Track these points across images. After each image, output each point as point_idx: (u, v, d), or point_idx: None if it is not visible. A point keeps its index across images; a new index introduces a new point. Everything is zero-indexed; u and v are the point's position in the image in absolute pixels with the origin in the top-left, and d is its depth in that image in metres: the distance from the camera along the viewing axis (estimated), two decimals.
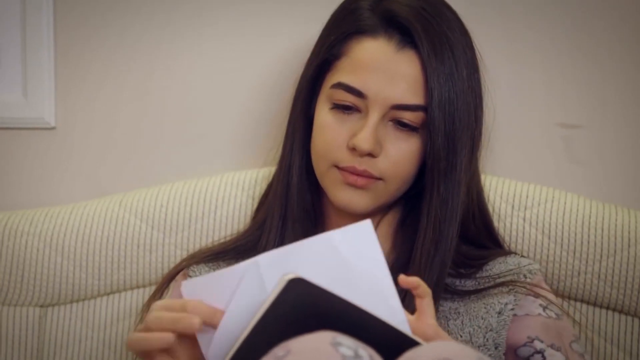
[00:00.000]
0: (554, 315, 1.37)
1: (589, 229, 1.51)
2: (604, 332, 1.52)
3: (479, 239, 1.45)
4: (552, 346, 1.35)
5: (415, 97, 1.34)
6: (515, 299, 1.36)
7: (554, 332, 1.36)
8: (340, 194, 1.36)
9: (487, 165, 1.56)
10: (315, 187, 1.43)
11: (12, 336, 1.58)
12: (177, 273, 1.47)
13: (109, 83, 1.68)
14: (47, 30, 1.67)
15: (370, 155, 1.34)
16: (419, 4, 1.36)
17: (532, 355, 1.34)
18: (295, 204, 1.42)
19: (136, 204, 1.60)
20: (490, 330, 1.34)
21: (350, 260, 1.11)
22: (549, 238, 1.52)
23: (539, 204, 1.53)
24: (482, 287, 1.38)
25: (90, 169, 1.69)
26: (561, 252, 1.51)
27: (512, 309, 1.35)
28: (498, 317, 1.35)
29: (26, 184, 1.69)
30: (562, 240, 1.51)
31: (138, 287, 1.61)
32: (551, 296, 1.40)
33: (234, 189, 1.59)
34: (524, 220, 1.52)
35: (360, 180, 1.35)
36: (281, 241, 1.41)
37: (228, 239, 1.51)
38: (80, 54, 1.68)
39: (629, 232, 1.50)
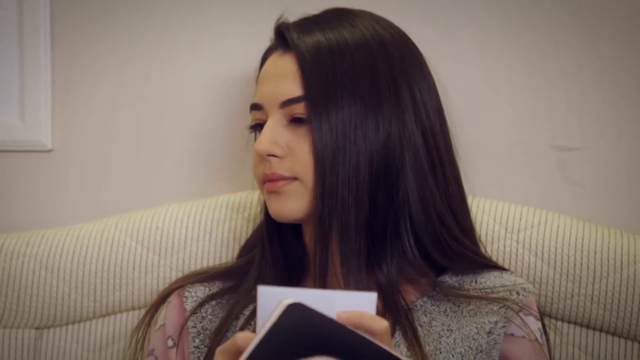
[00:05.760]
0: (538, 339, 1.37)
1: (581, 252, 1.51)
2: (597, 354, 1.52)
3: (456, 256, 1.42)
4: None
5: (298, 89, 1.36)
6: (505, 318, 1.36)
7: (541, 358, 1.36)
8: (270, 206, 1.38)
9: (479, 188, 1.56)
10: None
11: (7, 358, 1.59)
12: (169, 295, 1.47)
13: (106, 106, 1.69)
14: (44, 53, 1.68)
15: (274, 156, 1.36)
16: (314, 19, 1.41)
17: None
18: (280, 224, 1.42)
19: (132, 226, 1.60)
20: (481, 351, 1.34)
21: None
22: (542, 260, 1.51)
23: (532, 227, 1.53)
24: (474, 298, 1.37)
25: (87, 191, 1.69)
26: (554, 275, 1.51)
27: (503, 327, 1.35)
28: (488, 337, 1.34)
29: (22, 206, 1.70)
30: (555, 262, 1.51)
31: (133, 308, 1.61)
32: (537, 325, 1.39)
33: (229, 211, 1.59)
34: (517, 242, 1.52)
35: (275, 184, 1.36)
36: (269, 256, 1.42)
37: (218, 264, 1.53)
38: (77, 77, 1.69)
39: (621, 255, 1.49)
